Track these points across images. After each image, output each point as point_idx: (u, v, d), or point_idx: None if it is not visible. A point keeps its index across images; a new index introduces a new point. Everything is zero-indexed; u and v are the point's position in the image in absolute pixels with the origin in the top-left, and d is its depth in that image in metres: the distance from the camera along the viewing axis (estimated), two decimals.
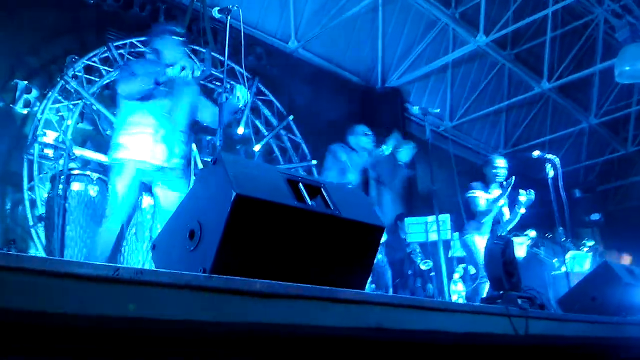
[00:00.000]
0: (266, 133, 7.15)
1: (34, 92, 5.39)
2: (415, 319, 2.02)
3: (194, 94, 3.70)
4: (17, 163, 5.08)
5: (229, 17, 3.44)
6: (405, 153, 4.64)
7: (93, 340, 1.35)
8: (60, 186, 4.05)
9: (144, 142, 3.36)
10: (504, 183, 5.14)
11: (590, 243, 8.68)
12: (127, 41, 5.99)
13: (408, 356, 2.14)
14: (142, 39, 6.13)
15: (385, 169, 5.03)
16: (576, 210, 10.64)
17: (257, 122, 7.13)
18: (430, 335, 2.07)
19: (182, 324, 1.41)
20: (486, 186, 5.26)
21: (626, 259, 8.62)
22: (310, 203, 1.92)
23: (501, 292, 2.69)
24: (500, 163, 5.30)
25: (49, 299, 1.25)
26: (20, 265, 1.22)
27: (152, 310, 1.38)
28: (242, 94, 3.50)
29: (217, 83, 6.68)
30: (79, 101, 5.44)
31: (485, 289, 4.74)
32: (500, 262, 2.79)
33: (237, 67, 6.51)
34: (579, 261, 7.73)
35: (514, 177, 5.11)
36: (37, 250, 4.73)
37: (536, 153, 5.08)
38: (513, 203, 5.21)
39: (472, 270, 6.18)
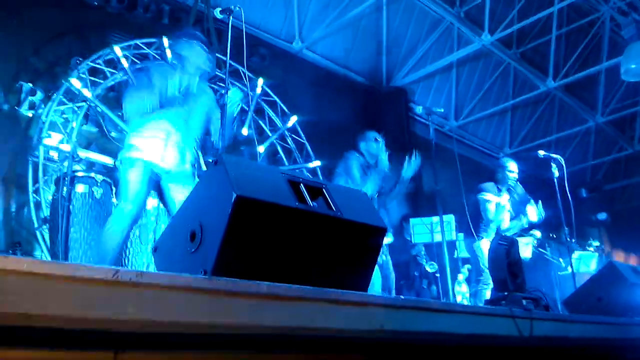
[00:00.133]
0: (270, 134, 7.14)
1: (39, 94, 5.40)
2: (418, 321, 2.00)
3: (211, 102, 3.69)
4: (22, 165, 5.10)
5: (231, 18, 3.43)
6: (409, 170, 4.56)
7: (93, 342, 1.34)
8: (65, 188, 4.06)
9: (156, 145, 3.35)
10: (511, 189, 5.17)
11: (596, 243, 8.63)
12: (132, 42, 6.00)
13: (411, 358, 2.13)
14: (146, 40, 6.15)
15: (388, 184, 4.98)
16: (583, 210, 10.58)
17: (262, 123, 7.13)
18: (434, 336, 2.06)
19: (182, 327, 1.40)
20: (498, 188, 5.26)
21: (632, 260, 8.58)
22: (311, 204, 1.91)
23: (506, 293, 2.67)
24: (513, 166, 5.31)
25: (49, 301, 1.25)
26: (19, 268, 1.22)
27: (152, 312, 1.37)
28: (233, 99, 3.48)
29: (220, 84, 6.68)
30: (83, 103, 5.44)
31: (487, 295, 4.69)
32: (505, 263, 2.77)
33: (240, 68, 6.51)
34: (585, 261, 7.69)
35: (521, 187, 5.13)
36: (42, 252, 4.74)
37: (541, 152, 5.07)
38: (518, 212, 5.21)
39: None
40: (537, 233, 7.16)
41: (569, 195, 4.78)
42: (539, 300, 2.70)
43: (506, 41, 9.39)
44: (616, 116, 11.27)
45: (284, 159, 7.27)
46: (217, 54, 6.45)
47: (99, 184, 4.39)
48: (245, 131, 6.77)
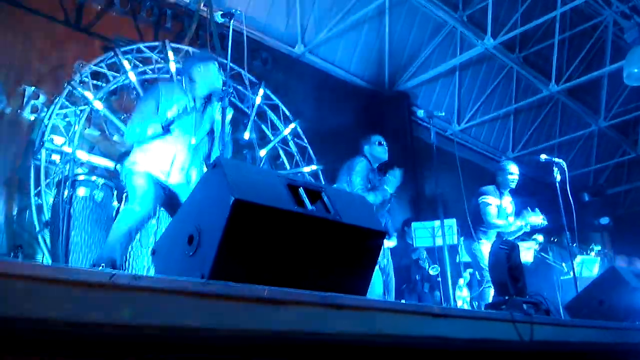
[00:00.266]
0: (272, 138, 7.14)
1: (42, 98, 5.42)
2: (418, 325, 1.99)
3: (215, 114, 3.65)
4: (25, 169, 5.11)
5: (232, 21, 3.44)
6: (393, 184, 4.51)
7: (88, 346, 1.34)
8: (66, 191, 4.06)
9: (162, 163, 3.33)
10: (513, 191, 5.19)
11: (598, 248, 8.60)
12: (134, 46, 6.02)
13: None
14: (149, 44, 6.17)
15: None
16: (585, 214, 10.55)
17: (264, 127, 7.13)
18: (433, 341, 2.05)
19: (178, 331, 1.40)
20: (499, 192, 5.25)
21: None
22: (310, 208, 1.90)
23: (506, 297, 2.66)
24: (514, 169, 5.30)
25: (45, 305, 1.24)
26: (17, 272, 1.21)
27: (148, 316, 1.37)
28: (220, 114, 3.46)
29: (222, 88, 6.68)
30: (85, 106, 5.46)
31: (491, 293, 4.69)
32: (506, 267, 2.76)
33: (242, 72, 6.53)
34: (588, 266, 7.66)
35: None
36: (43, 256, 4.75)
37: (543, 156, 5.05)
38: (519, 215, 5.21)
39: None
40: (540, 237, 7.13)
41: (571, 199, 4.76)
42: (540, 305, 2.69)
43: (509, 45, 9.38)
44: (619, 120, 11.25)
45: (286, 162, 7.26)
46: (220, 59, 6.47)
47: (100, 188, 4.39)
48: (247, 135, 6.78)
